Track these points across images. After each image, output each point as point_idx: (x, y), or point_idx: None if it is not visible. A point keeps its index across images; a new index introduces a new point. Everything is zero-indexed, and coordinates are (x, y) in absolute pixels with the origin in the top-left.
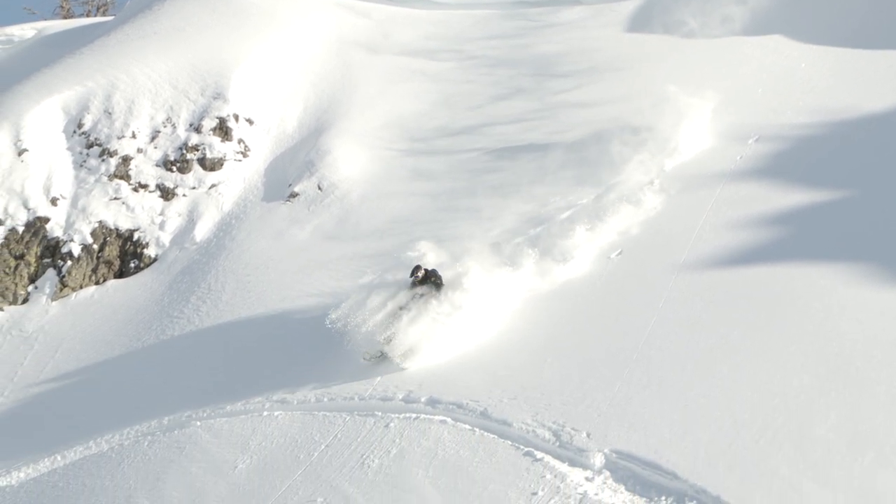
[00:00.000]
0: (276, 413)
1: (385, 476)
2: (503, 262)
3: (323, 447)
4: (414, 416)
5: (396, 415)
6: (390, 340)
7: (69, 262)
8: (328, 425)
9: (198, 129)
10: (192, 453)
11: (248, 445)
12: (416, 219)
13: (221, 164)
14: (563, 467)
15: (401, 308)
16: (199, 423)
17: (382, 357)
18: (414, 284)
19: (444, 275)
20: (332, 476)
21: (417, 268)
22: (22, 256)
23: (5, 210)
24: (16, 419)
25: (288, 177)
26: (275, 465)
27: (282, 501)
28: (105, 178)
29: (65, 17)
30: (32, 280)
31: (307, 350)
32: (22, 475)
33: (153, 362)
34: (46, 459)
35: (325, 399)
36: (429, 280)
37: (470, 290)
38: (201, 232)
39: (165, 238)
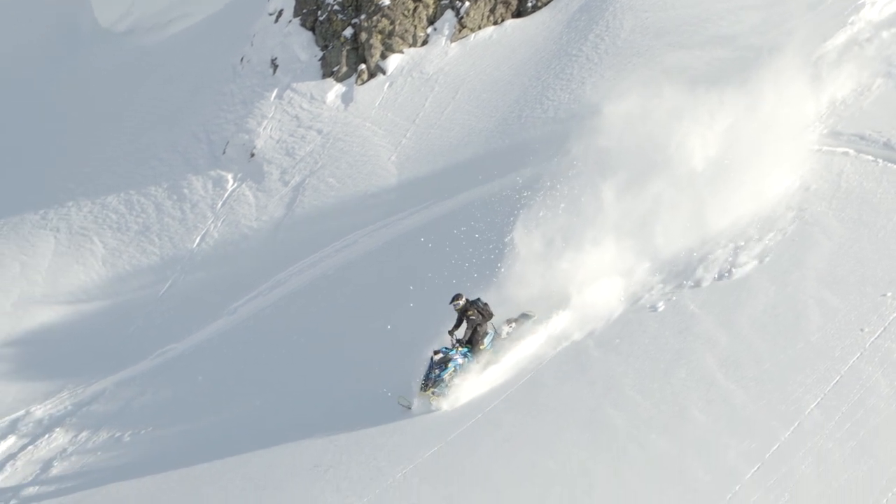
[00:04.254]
0: None
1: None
2: None
3: None
4: (816, 147)
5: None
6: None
7: (467, 3)
8: None
9: None
10: None
11: None
12: None
13: None
14: None
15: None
16: None
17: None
18: (459, 311)
19: None
20: None
21: (458, 296)
22: None
23: None
24: (416, 161)
25: None
26: None
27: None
28: None
29: None
30: (431, 22)
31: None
32: (425, 214)
33: (552, 100)
34: (436, 205)
35: None
36: (469, 309)
37: None
38: None
39: None
